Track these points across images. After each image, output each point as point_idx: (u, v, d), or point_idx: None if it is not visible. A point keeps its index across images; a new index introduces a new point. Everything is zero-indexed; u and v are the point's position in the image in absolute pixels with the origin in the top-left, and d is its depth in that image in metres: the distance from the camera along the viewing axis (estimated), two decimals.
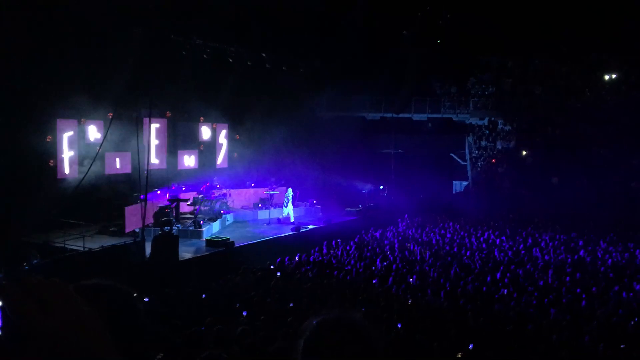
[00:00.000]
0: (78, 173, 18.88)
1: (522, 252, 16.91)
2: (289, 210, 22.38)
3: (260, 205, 23.68)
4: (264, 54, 23.20)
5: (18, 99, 15.96)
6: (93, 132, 19.62)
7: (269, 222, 21.86)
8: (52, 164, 17.99)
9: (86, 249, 15.17)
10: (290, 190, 22.44)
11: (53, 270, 13.29)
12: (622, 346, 8.69)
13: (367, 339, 1.58)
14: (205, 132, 25.17)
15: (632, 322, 9.70)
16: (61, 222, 16.25)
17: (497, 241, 18.55)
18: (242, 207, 23.89)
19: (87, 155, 19.05)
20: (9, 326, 0.80)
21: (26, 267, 13.29)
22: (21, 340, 0.80)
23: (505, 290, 12.27)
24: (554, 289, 12.39)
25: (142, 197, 17.49)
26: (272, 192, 23.86)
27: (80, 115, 18.86)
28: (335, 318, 1.59)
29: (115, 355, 0.88)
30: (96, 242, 16.25)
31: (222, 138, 26.29)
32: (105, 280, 1.44)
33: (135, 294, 1.45)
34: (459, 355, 8.29)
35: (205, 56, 21.20)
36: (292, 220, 22.03)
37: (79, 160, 19.19)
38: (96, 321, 0.88)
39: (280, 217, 22.37)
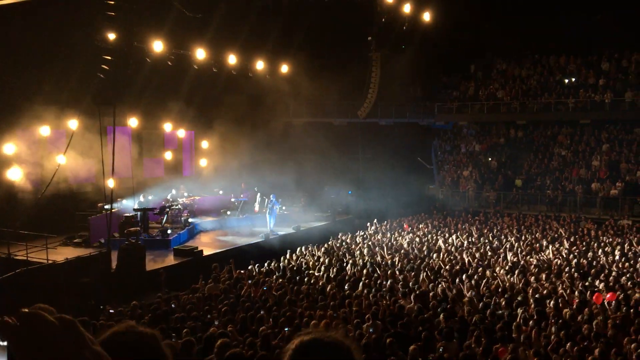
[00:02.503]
0: (41, 183, 18.46)
1: (489, 253, 17.18)
2: (271, 217, 21.60)
3: (228, 212, 23.50)
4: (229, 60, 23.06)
5: None
6: (56, 141, 19.20)
7: (237, 230, 21.69)
8: (12, 174, 17.52)
9: (50, 262, 14.79)
10: (272, 196, 21.51)
11: (16, 284, 12.93)
12: (585, 343, 8.89)
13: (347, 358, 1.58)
14: (172, 140, 24.92)
15: (596, 321, 9.93)
16: (23, 234, 15.81)
17: (465, 243, 18.81)
18: (210, 215, 23.66)
19: (50, 165, 18.64)
20: None
21: None
22: None
23: (474, 292, 12.44)
24: (521, 290, 12.62)
25: (106, 206, 17.21)
26: (240, 199, 23.72)
27: (43, 124, 18.44)
28: (315, 338, 1.59)
29: None
30: (60, 254, 15.86)
31: (189, 145, 26.08)
32: (126, 330, 1.41)
33: (159, 336, 1.43)
34: (430, 357, 8.37)
35: (169, 63, 20.96)
36: (269, 228, 21.50)
37: (41, 171, 18.75)
38: None
39: (271, 228, 21.40)
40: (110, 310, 11.47)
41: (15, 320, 0.80)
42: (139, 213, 19.15)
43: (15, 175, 17.56)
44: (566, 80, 31.97)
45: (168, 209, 20.43)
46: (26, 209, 17.13)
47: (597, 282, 13.27)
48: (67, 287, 13.13)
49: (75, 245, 17.73)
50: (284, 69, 26.06)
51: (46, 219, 17.24)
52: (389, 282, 13.21)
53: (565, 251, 17.29)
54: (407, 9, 23.74)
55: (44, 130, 18.77)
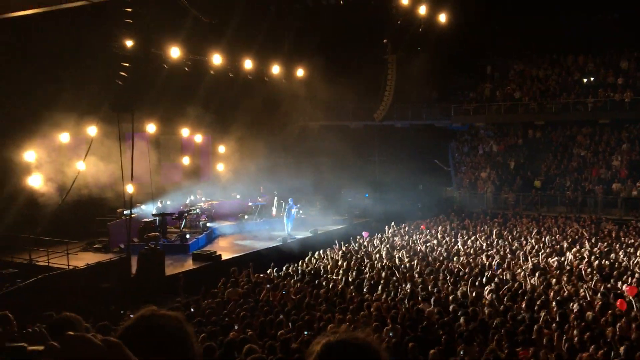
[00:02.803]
0: (61, 190, 18.69)
1: (509, 255, 17.01)
2: (288, 221, 21.98)
3: (245, 216, 23.57)
4: (245, 65, 23.16)
5: None
6: (76, 148, 19.42)
7: (255, 234, 21.73)
8: (33, 181, 17.77)
9: (71, 267, 14.95)
10: (290, 200, 22.08)
11: (38, 290, 13.08)
12: (608, 343, 8.75)
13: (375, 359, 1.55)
14: (189, 145, 25.08)
15: (619, 324, 9.77)
16: (44, 240, 16.00)
17: (484, 246, 18.64)
18: (228, 219, 23.74)
19: (70, 171, 18.87)
20: None
21: (10, 288, 13.06)
22: None
23: (494, 295, 12.32)
24: (542, 293, 12.46)
25: (125, 212, 17.36)
26: (258, 203, 23.78)
27: (62, 131, 18.67)
28: (341, 340, 1.57)
29: None
30: (81, 260, 16.03)
31: (207, 150, 26.23)
32: (151, 314, 1.44)
33: (183, 318, 1.46)
34: None
35: (186, 69, 21.12)
36: (287, 231, 21.73)
37: (61, 177, 18.99)
38: None
39: (288, 232, 21.75)
40: (131, 315, 11.54)
41: (60, 345, 0.79)
42: (157, 218, 19.29)
43: (36, 182, 17.81)
44: (585, 80, 31.58)
45: (186, 214, 20.56)
46: (47, 215, 17.35)
47: (619, 284, 13.07)
48: (88, 293, 13.24)
49: (96, 251, 17.92)
50: (300, 72, 26.13)
51: (67, 225, 17.45)
52: (408, 286, 13.14)
53: (587, 253, 17.03)
54: (422, 10, 23.62)
55: (64, 137, 19.00)
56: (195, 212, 21.12)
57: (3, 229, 15.60)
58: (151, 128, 21.81)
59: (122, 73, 16.26)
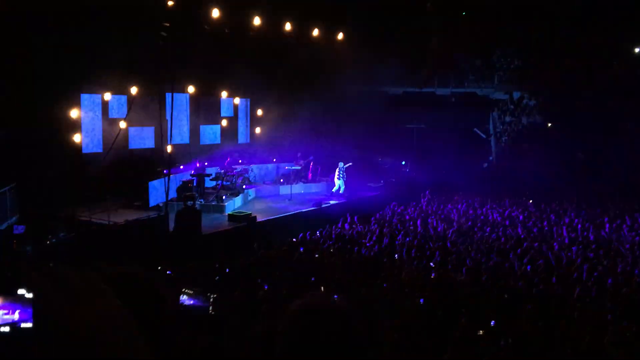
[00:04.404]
0: (102, 148, 19.12)
1: (546, 228, 16.72)
2: (340, 183, 22.46)
3: (282, 180, 23.72)
4: (286, 28, 22.98)
5: (43, 72, 16.10)
6: (117, 107, 19.77)
7: (290, 197, 21.86)
8: (77, 139, 18.21)
9: (111, 223, 15.39)
10: (341, 163, 22.56)
11: (79, 244, 13.54)
12: None
13: (348, 328, 1.53)
14: (228, 107, 25.20)
15: None
16: (87, 196, 16.46)
17: (521, 217, 18.36)
18: (264, 182, 23.95)
19: (111, 130, 19.26)
20: (40, 320, 0.78)
21: (53, 241, 13.56)
22: (52, 335, 0.78)
23: (529, 267, 12.18)
24: (578, 267, 12.25)
25: (165, 171, 17.69)
26: (294, 167, 23.87)
27: (104, 90, 18.99)
28: (315, 304, 1.56)
29: (147, 353, 0.86)
30: (121, 216, 16.46)
31: (245, 113, 26.33)
32: (131, 268, 1.43)
33: (161, 282, 1.45)
34: (481, 332, 8.28)
35: (226, 30, 21.08)
36: (341, 191, 22.34)
37: (103, 135, 19.41)
38: (128, 318, 0.86)
39: (333, 190, 22.53)
40: (168, 272, 11.86)
41: (40, 275, 0.81)
42: (195, 178, 19.61)
43: (79, 139, 18.26)
44: (637, 50, 30.21)
45: (223, 176, 20.82)
46: (89, 172, 17.81)
47: None
48: (126, 248, 13.63)
49: (135, 208, 18.32)
50: (340, 36, 25.80)
51: (108, 182, 17.87)
52: (440, 254, 13.10)
53: (627, 228, 16.61)
54: None
55: (107, 96, 19.32)
56: (232, 174, 21.37)
57: (47, 185, 16.06)
58: (191, 89, 21.97)
59: (163, 33, 16.33)
